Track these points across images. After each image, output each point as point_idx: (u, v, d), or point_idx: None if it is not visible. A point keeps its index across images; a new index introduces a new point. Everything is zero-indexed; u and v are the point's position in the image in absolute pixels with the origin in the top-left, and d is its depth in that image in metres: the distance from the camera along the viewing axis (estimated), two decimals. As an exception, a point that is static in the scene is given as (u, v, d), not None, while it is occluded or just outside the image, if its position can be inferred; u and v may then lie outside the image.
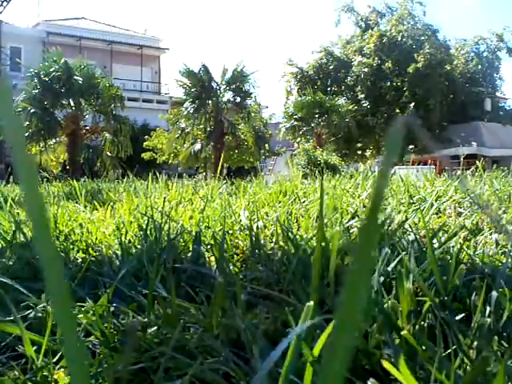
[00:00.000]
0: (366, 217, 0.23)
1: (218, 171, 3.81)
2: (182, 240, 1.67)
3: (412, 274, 0.99)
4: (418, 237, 1.22)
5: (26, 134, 16.11)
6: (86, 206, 2.94)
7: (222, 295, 0.94)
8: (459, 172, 4.04)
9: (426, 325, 0.90)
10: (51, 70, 16.46)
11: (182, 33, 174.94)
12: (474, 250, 1.50)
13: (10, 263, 1.47)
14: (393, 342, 0.81)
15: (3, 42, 25.68)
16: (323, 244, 1.06)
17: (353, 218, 1.93)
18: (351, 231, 1.75)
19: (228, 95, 19.57)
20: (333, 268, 1.05)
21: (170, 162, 20.75)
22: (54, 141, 17.20)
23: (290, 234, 1.52)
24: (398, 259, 1.21)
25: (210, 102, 19.07)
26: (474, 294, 1.01)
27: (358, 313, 0.23)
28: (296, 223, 2.13)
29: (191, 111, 18.82)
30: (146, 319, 0.94)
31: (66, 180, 6.04)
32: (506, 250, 1.52)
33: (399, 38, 27.07)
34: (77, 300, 1.02)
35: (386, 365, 0.69)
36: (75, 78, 16.37)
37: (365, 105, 26.65)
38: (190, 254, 1.52)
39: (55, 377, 0.83)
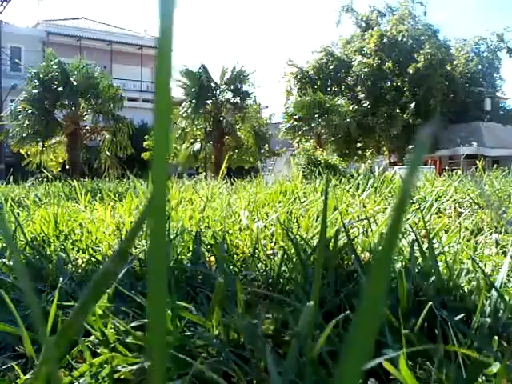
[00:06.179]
0: (390, 224, 0.22)
1: (221, 171, 3.78)
2: (182, 240, 1.67)
3: (412, 273, 0.99)
4: (418, 237, 1.22)
5: (25, 135, 16.12)
6: (86, 206, 2.94)
7: (222, 295, 0.94)
8: (459, 172, 4.04)
9: (426, 325, 0.90)
10: (50, 70, 16.44)
11: (182, 33, 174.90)
12: (474, 249, 1.50)
13: (11, 263, 1.47)
14: (393, 342, 0.81)
15: (3, 42, 25.66)
16: (324, 244, 1.05)
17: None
18: (351, 231, 1.75)
19: (227, 95, 19.57)
20: (333, 268, 1.05)
21: (169, 161, 20.72)
22: (53, 141, 17.18)
23: (290, 233, 1.51)
24: (397, 259, 1.21)
25: (209, 101, 19.07)
26: (473, 294, 1.01)
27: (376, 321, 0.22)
28: (296, 223, 2.13)
29: (190, 111, 18.81)
30: (146, 319, 0.94)
31: (65, 180, 6.04)
32: (506, 249, 1.52)
33: (399, 38, 27.05)
34: (76, 300, 1.02)
35: (386, 365, 0.69)
36: (71, 78, 16.35)
37: (365, 105, 26.62)
38: (189, 254, 1.52)
39: (55, 377, 0.82)
